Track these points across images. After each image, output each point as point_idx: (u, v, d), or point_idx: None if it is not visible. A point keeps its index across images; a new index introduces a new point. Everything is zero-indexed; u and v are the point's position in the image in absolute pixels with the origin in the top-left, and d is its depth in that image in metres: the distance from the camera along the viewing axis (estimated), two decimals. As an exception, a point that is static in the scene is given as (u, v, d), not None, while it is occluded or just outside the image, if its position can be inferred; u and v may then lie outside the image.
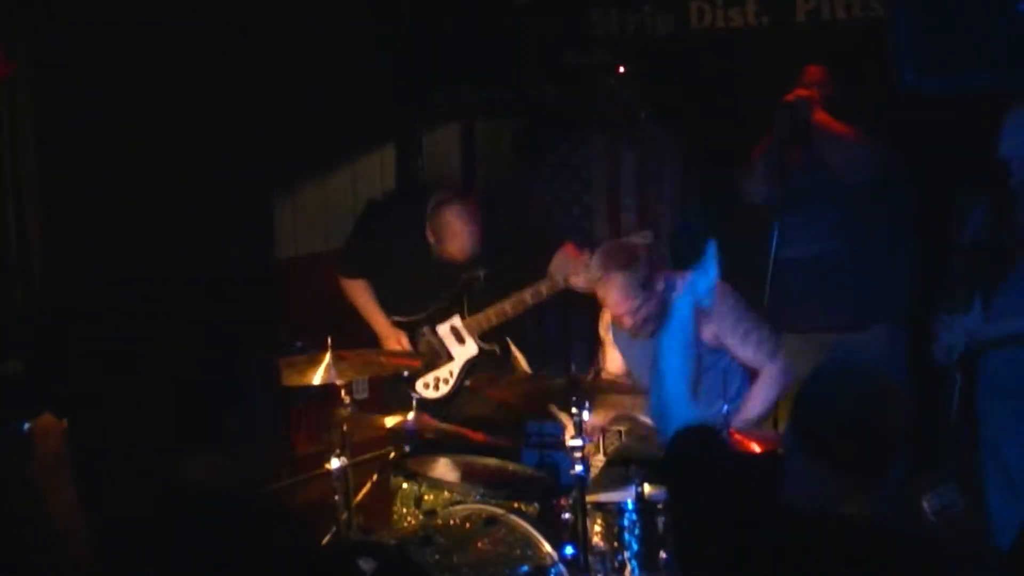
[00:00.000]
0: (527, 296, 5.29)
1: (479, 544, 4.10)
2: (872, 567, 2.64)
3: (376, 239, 5.50)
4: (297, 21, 6.02)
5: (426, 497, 4.43)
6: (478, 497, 4.32)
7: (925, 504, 4.89)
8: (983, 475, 4.56)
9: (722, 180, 6.06)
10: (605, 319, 5.10)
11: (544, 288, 5.27)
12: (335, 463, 4.41)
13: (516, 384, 4.94)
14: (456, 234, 5.23)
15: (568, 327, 6.61)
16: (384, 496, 4.69)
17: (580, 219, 6.45)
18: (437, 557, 3.99)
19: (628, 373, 5.03)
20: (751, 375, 4.97)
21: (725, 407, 4.30)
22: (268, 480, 5.07)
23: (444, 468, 4.68)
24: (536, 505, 4.29)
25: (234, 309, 5.57)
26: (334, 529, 4.42)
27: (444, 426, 4.70)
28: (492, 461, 4.72)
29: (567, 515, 4.15)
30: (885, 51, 4.89)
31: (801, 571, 2.65)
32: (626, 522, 4.15)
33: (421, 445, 4.80)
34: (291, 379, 4.39)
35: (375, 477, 4.79)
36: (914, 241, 5.48)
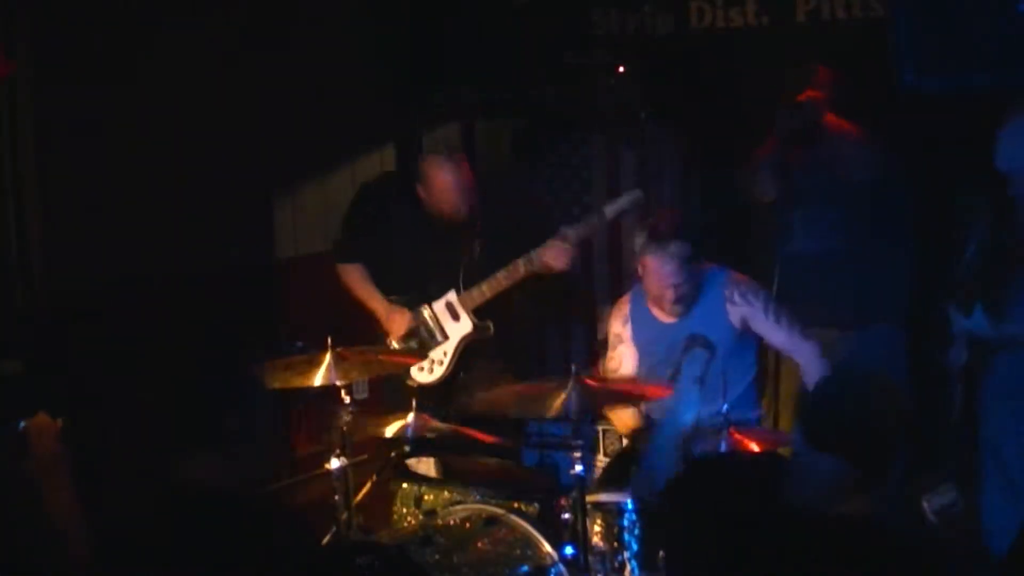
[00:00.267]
0: (520, 264, 5.26)
1: (479, 544, 4.10)
2: (872, 567, 2.64)
3: (370, 222, 5.50)
4: (297, 21, 6.02)
5: (426, 497, 4.43)
6: (478, 497, 4.32)
7: (925, 504, 4.88)
8: (982, 475, 4.55)
9: (722, 180, 6.07)
10: (620, 315, 5.09)
11: (536, 256, 5.24)
12: (335, 463, 4.41)
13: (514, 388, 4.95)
14: (443, 185, 5.25)
15: (568, 330, 6.60)
16: (384, 496, 4.69)
17: (580, 219, 6.43)
18: (437, 557, 3.99)
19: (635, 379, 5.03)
20: (756, 379, 5.01)
21: (725, 406, 4.31)
22: (268, 480, 5.10)
23: (443, 468, 4.68)
24: (536, 505, 4.29)
25: (234, 309, 5.57)
26: (334, 529, 4.42)
27: (444, 426, 4.70)
28: (492, 461, 4.72)
29: (567, 515, 4.15)
30: (885, 51, 4.89)
31: (801, 571, 2.65)
32: (626, 522, 4.15)
33: (421, 445, 4.79)
34: (291, 380, 4.38)
35: (375, 477, 4.79)
36: (914, 241, 5.48)
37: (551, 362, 6.51)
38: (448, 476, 4.63)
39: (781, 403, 5.60)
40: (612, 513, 4.18)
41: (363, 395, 5.22)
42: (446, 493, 4.41)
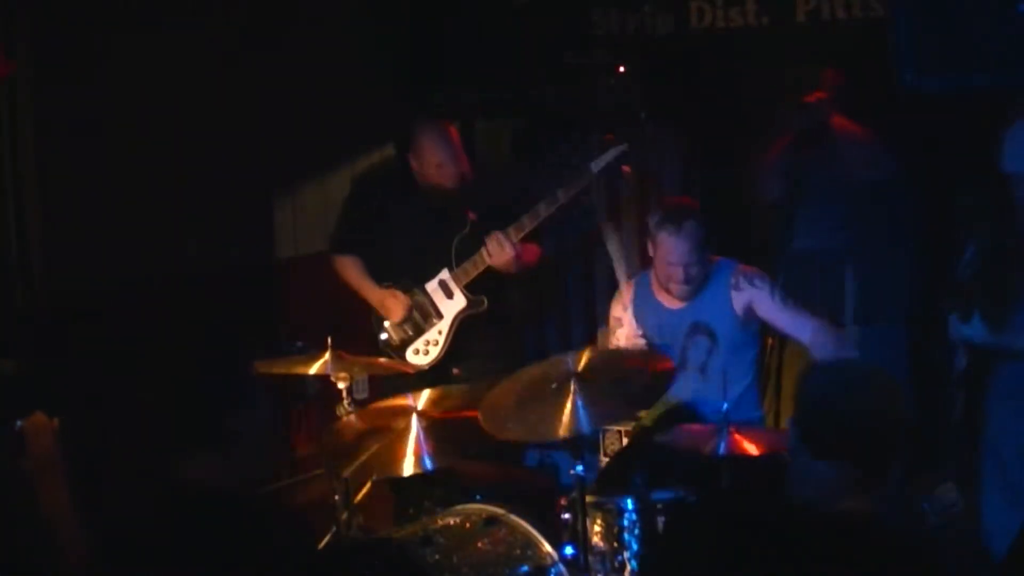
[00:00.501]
0: (510, 232, 5.26)
1: (479, 544, 4.09)
2: (872, 567, 2.64)
3: (365, 211, 5.52)
4: (297, 21, 6.02)
5: (426, 497, 4.43)
6: (478, 497, 4.32)
7: (925, 504, 4.89)
8: (983, 477, 4.55)
9: (722, 179, 6.07)
10: (622, 300, 5.12)
11: (527, 219, 5.24)
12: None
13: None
14: (433, 152, 5.29)
15: (567, 327, 6.60)
16: (384, 496, 4.69)
17: (579, 220, 6.43)
18: (437, 557, 3.99)
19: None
20: (756, 381, 5.02)
21: (725, 406, 4.31)
22: (268, 480, 5.10)
23: (443, 468, 4.67)
24: (536, 505, 4.29)
25: (234, 309, 5.57)
26: (334, 529, 4.42)
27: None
28: (492, 461, 4.72)
29: (567, 515, 4.15)
30: (885, 51, 4.89)
31: (801, 571, 2.65)
32: (626, 522, 4.15)
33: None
34: (287, 369, 4.41)
35: (375, 477, 4.79)
36: (916, 241, 5.49)
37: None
38: (448, 476, 4.63)
39: (782, 403, 5.61)
40: (612, 513, 4.18)
41: (363, 395, 5.23)
42: (446, 493, 4.40)
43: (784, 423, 5.50)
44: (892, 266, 5.42)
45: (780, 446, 4.37)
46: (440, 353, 5.38)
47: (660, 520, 4.15)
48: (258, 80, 5.79)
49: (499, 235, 5.21)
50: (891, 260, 5.42)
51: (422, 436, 4.19)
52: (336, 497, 4.41)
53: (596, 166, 5.22)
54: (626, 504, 4.16)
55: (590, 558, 4.07)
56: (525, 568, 4.04)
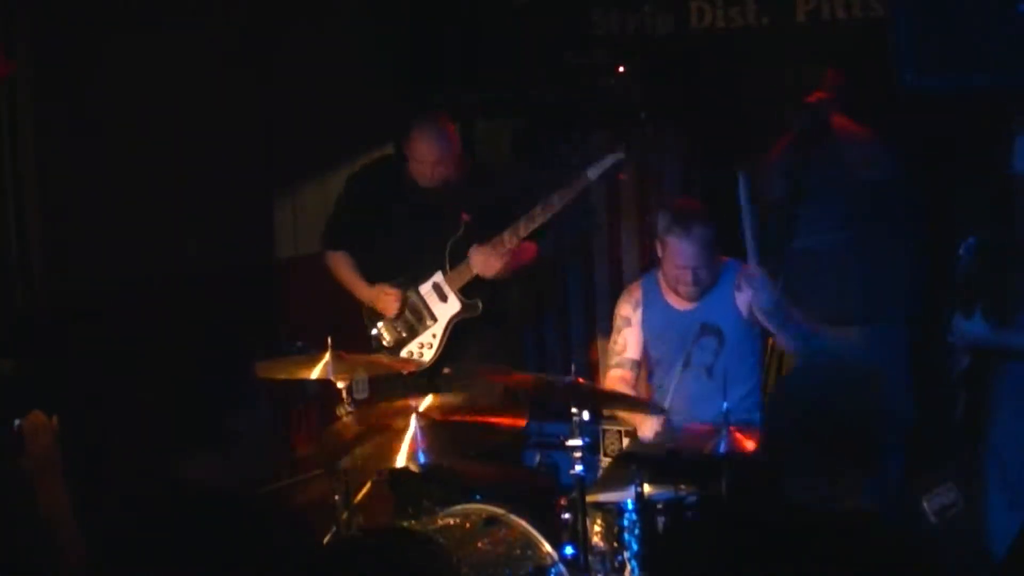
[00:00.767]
0: (505, 235, 5.25)
1: (479, 544, 4.10)
2: (872, 567, 2.63)
3: (357, 208, 5.50)
4: (297, 21, 6.02)
5: (426, 497, 4.43)
6: (478, 497, 4.32)
7: (925, 504, 4.88)
8: (986, 478, 4.54)
9: (722, 179, 6.07)
10: (630, 298, 5.11)
11: (522, 224, 5.24)
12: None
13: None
14: (424, 149, 5.27)
15: (567, 327, 6.60)
16: (384, 496, 4.69)
17: (579, 219, 6.43)
18: (437, 557, 3.98)
19: (638, 362, 5.04)
20: (758, 385, 5.02)
21: (725, 405, 4.31)
22: (268, 480, 5.10)
23: (443, 468, 4.67)
24: (536, 505, 4.29)
25: (234, 309, 5.57)
26: (334, 529, 4.42)
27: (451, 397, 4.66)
28: (492, 461, 4.71)
29: (567, 515, 4.15)
30: (885, 51, 4.89)
31: (801, 571, 2.65)
32: (626, 522, 4.15)
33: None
34: (289, 373, 4.41)
35: (375, 477, 4.79)
36: (917, 241, 5.49)
37: (549, 360, 6.51)
38: (448, 476, 4.63)
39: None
40: (612, 513, 4.18)
41: (363, 395, 5.22)
42: (446, 493, 4.40)
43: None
44: (892, 266, 5.41)
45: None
46: (435, 355, 5.37)
47: (660, 520, 4.15)
48: (258, 80, 5.78)
49: (483, 248, 5.20)
50: (891, 260, 5.41)
51: (419, 434, 4.17)
52: (336, 497, 4.41)
53: (593, 172, 5.20)
54: (626, 504, 4.16)
55: (590, 558, 4.07)
56: (525, 568, 4.04)
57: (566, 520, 4.15)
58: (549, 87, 6.19)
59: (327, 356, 4.49)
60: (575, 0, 6.04)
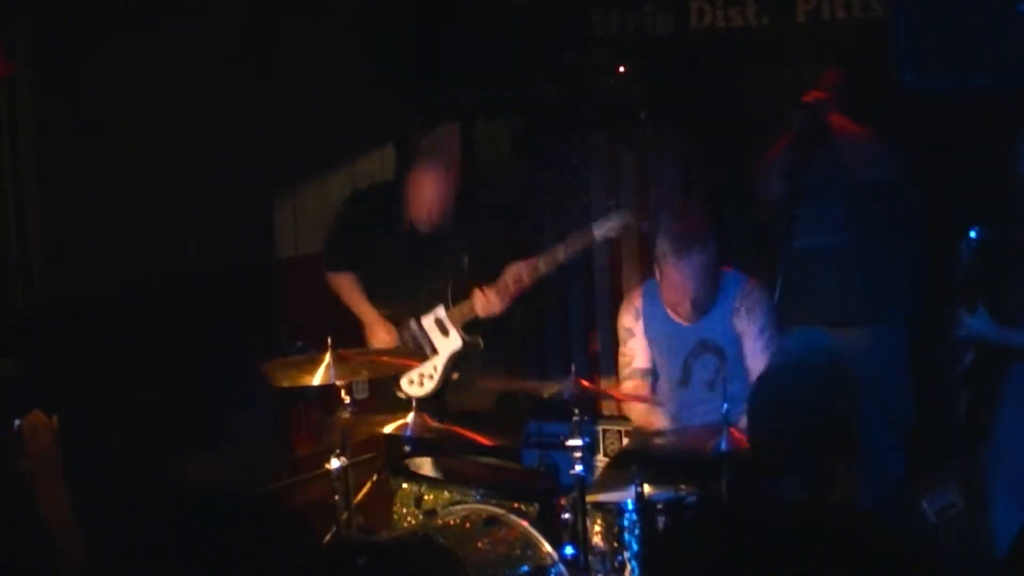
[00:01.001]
0: (508, 279, 5.25)
1: (479, 544, 4.10)
2: (872, 566, 2.63)
3: (359, 233, 5.49)
4: (297, 21, 6.02)
5: (426, 497, 4.43)
6: (478, 497, 4.32)
7: (925, 504, 4.89)
8: (992, 479, 4.53)
9: (722, 179, 6.07)
10: (631, 308, 5.06)
11: (526, 274, 5.24)
12: (335, 463, 4.40)
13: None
14: (420, 193, 5.26)
15: (567, 331, 6.60)
16: (384, 496, 4.69)
17: (579, 220, 6.43)
18: (437, 557, 3.98)
19: (649, 370, 5.03)
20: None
21: (725, 406, 4.31)
22: (268, 480, 5.09)
23: (443, 468, 4.68)
24: (536, 505, 4.29)
25: (234, 309, 5.57)
26: (334, 529, 4.42)
27: (442, 426, 4.69)
28: (492, 461, 4.71)
29: (567, 515, 4.15)
30: (885, 51, 4.89)
31: (801, 571, 2.65)
32: (626, 522, 4.15)
33: (420, 445, 4.79)
34: (291, 379, 4.38)
35: (375, 477, 4.79)
36: (916, 241, 5.49)
37: (551, 364, 6.51)
38: (448, 476, 4.63)
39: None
40: (612, 513, 4.18)
41: (363, 395, 5.22)
42: (446, 493, 4.40)
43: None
44: (892, 266, 5.42)
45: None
46: (435, 386, 5.34)
47: (660, 520, 4.15)
48: (258, 80, 5.78)
49: (487, 291, 5.20)
50: (891, 260, 5.41)
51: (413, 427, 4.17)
52: (336, 497, 4.41)
53: (599, 231, 5.19)
54: (626, 504, 4.16)
55: (590, 558, 4.07)
56: (525, 568, 4.04)
57: (566, 520, 4.15)
58: (549, 87, 6.20)
59: (327, 357, 4.47)
60: (575, 0, 6.04)
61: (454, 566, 3.04)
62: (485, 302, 5.23)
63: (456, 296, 5.33)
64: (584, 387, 4.28)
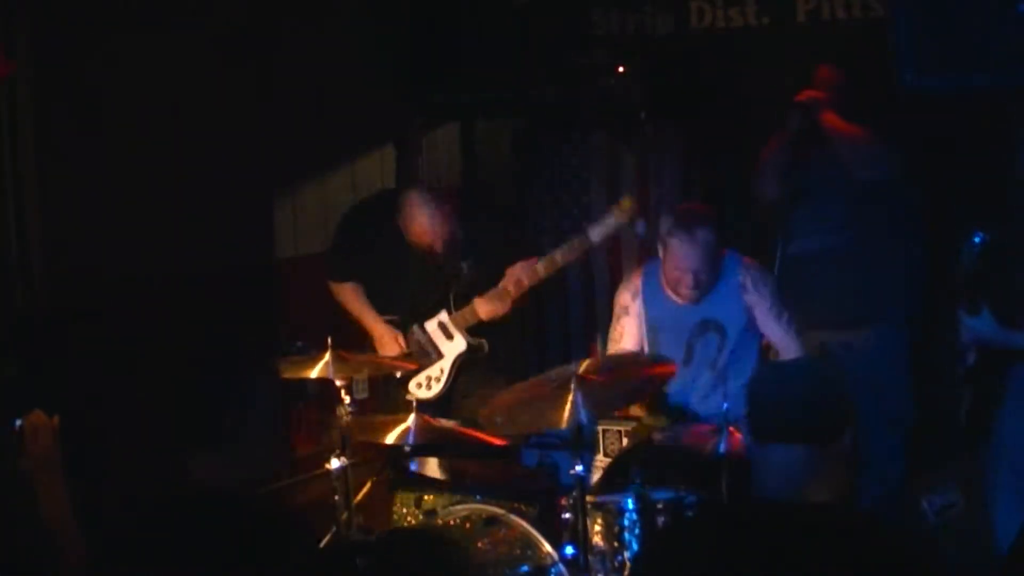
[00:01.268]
0: (509, 283, 5.26)
1: (479, 544, 4.09)
2: (871, 567, 2.63)
3: (361, 240, 5.51)
4: (297, 21, 6.02)
5: (426, 497, 4.43)
6: (478, 497, 4.32)
7: (925, 504, 4.89)
8: (996, 480, 4.52)
9: (722, 179, 6.07)
10: (630, 287, 5.11)
11: (526, 278, 5.24)
12: (335, 463, 4.41)
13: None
14: (416, 219, 5.29)
15: (567, 327, 6.60)
16: (384, 496, 4.69)
17: (579, 220, 6.44)
18: (437, 557, 3.98)
19: (636, 353, 5.05)
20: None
21: (725, 405, 4.31)
22: (268, 480, 5.09)
23: (443, 468, 4.68)
24: (536, 505, 4.29)
25: (234, 309, 5.57)
26: (334, 529, 4.42)
27: (445, 422, 4.69)
28: (492, 461, 4.71)
29: (567, 515, 4.15)
30: (885, 51, 4.89)
31: (800, 571, 2.65)
32: (626, 522, 4.15)
33: (421, 445, 4.79)
34: (289, 372, 4.41)
35: (375, 477, 4.79)
36: (915, 241, 5.49)
37: (551, 361, 6.51)
38: (448, 476, 4.63)
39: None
40: (612, 513, 4.18)
41: (363, 395, 5.23)
42: (446, 493, 4.41)
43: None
44: (892, 266, 5.42)
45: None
46: (442, 389, 5.39)
47: (660, 520, 4.15)
48: (258, 80, 5.78)
49: (488, 298, 5.22)
50: (891, 260, 5.41)
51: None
52: (336, 497, 4.41)
53: (596, 235, 5.22)
54: (626, 504, 4.16)
55: (590, 558, 4.07)
56: (525, 568, 4.04)
57: (566, 520, 4.15)
58: (549, 87, 6.19)
59: (327, 356, 4.48)
60: (575, 0, 6.04)
61: (460, 560, 3.04)
62: (487, 307, 5.26)
63: (458, 301, 5.35)
64: (591, 385, 4.26)
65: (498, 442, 4.56)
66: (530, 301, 6.48)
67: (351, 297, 5.51)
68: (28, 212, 5.10)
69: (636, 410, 5.06)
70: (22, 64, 5.01)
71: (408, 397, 5.31)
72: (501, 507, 4.21)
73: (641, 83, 6.06)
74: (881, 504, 5.17)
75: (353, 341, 5.05)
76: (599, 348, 6.27)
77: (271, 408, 3.07)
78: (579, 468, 4.07)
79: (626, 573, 4.13)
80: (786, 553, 2.66)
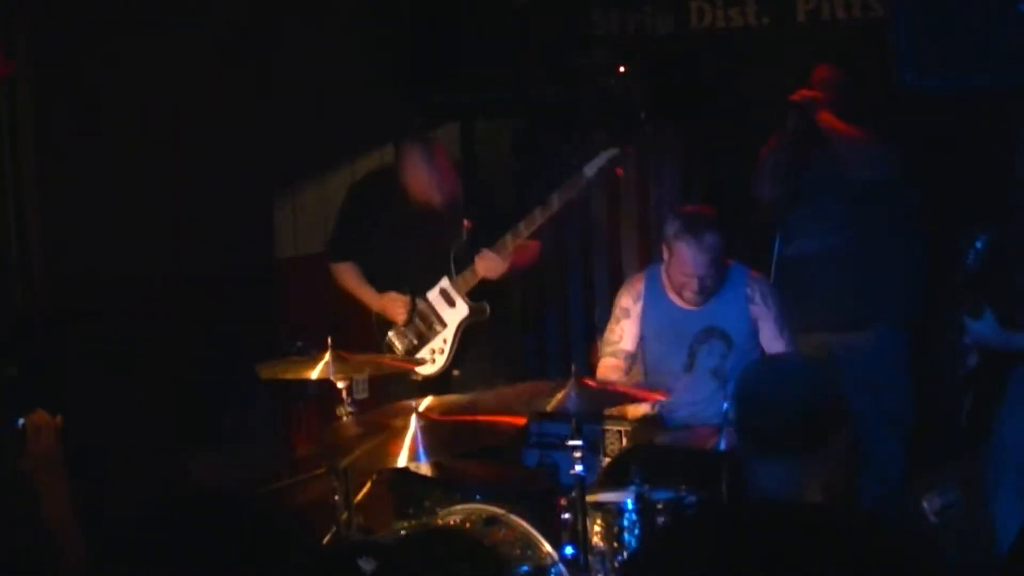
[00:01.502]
0: (508, 236, 5.26)
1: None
2: (871, 566, 2.63)
3: (360, 219, 5.51)
4: (297, 21, 6.02)
5: (426, 497, 4.43)
6: (478, 497, 4.31)
7: (925, 504, 4.88)
8: (998, 481, 4.52)
9: (721, 179, 6.07)
10: (632, 290, 5.09)
11: (523, 226, 5.24)
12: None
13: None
14: (416, 169, 5.29)
15: (567, 327, 6.60)
16: (384, 496, 4.69)
17: (579, 220, 6.44)
18: (437, 557, 3.98)
19: (632, 354, 5.03)
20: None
21: (725, 405, 4.31)
22: (268, 480, 5.10)
23: (443, 468, 4.67)
24: (536, 505, 4.29)
25: (234, 309, 5.57)
26: (334, 529, 4.42)
27: (450, 419, 4.66)
28: (492, 461, 4.71)
29: (567, 515, 4.15)
30: (885, 51, 4.89)
31: (799, 571, 2.64)
32: (626, 522, 4.15)
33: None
34: (290, 374, 4.40)
35: (375, 477, 4.78)
36: (915, 242, 5.49)
37: (550, 361, 6.51)
38: (448, 476, 4.62)
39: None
40: (612, 513, 4.17)
41: (363, 395, 5.22)
42: (446, 493, 4.40)
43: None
44: (892, 267, 5.41)
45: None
46: (447, 361, 5.37)
47: (660, 520, 4.14)
48: (258, 80, 5.78)
49: (488, 253, 5.21)
50: (891, 261, 5.41)
51: (419, 433, 4.15)
52: (336, 497, 4.41)
53: (589, 170, 5.19)
54: (626, 504, 4.15)
55: (590, 558, 4.07)
56: (525, 568, 4.04)
57: (566, 520, 4.15)
58: (549, 87, 6.19)
59: (327, 356, 4.48)
60: (575, 0, 6.04)
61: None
62: (488, 263, 5.23)
63: (459, 265, 5.33)
64: (587, 385, 4.27)
65: (516, 421, 4.44)
66: (530, 302, 6.50)
67: (349, 276, 5.50)
68: (28, 212, 5.10)
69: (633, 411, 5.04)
70: (22, 64, 5.02)
71: (413, 377, 5.30)
72: (501, 507, 4.21)
73: (641, 83, 6.05)
74: (881, 504, 5.17)
75: (353, 341, 5.04)
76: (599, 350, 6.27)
77: (271, 408, 3.06)
78: (579, 468, 4.07)
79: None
80: (786, 553, 2.66)
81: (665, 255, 4.94)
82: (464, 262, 5.33)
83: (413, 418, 4.15)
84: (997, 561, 4.34)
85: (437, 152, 5.38)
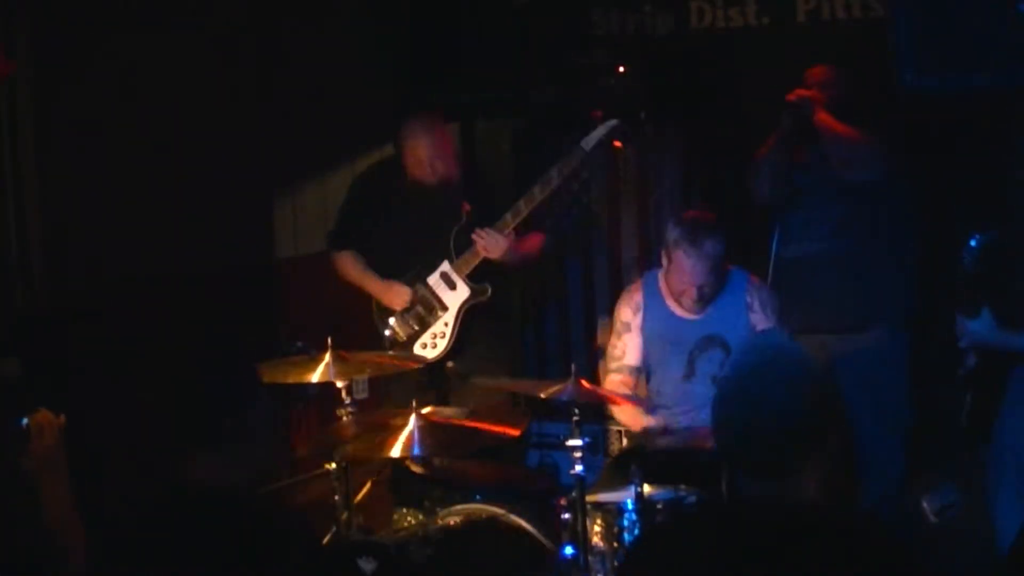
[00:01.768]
0: (508, 218, 5.24)
1: (479, 544, 4.10)
2: (871, 566, 2.63)
3: (362, 208, 5.50)
4: (297, 21, 6.02)
5: (426, 497, 4.43)
6: (478, 497, 4.32)
7: (925, 504, 4.89)
8: (999, 481, 4.52)
9: (723, 179, 6.07)
10: (631, 302, 5.05)
11: (523, 203, 5.24)
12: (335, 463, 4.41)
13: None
14: (417, 145, 5.27)
15: (567, 330, 6.60)
16: (384, 496, 4.69)
17: (579, 219, 6.44)
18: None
19: (638, 368, 5.02)
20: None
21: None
22: (268, 480, 5.10)
23: (443, 468, 4.68)
24: (536, 505, 4.29)
25: (234, 309, 5.57)
26: (334, 529, 4.42)
27: (449, 411, 4.66)
28: (492, 461, 4.71)
29: (567, 515, 4.15)
30: (885, 51, 4.89)
31: (799, 571, 2.65)
32: (626, 522, 4.15)
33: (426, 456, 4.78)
34: (291, 377, 4.40)
35: (375, 477, 4.79)
36: (914, 242, 5.48)
37: (550, 360, 6.51)
38: (448, 476, 4.63)
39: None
40: (612, 513, 4.18)
41: (363, 395, 5.23)
42: (446, 493, 4.40)
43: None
44: (891, 268, 5.41)
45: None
46: (447, 345, 5.34)
47: (660, 520, 4.15)
48: (258, 80, 5.79)
49: (488, 230, 5.20)
50: (890, 262, 5.40)
51: (417, 432, 4.14)
52: (336, 497, 4.41)
53: (587, 143, 5.17)
54: (626, 504, 4.16)
55: (590, 558, 4.07)
56: (525, 568, 4.04)
57: (566, 520, 4.15)
58: (549, 87, 6.19)
59: (327, 357, 4.47)
60: (575, 0, 6.04)
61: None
62: (487, 241, 5.21)
63: (459, 247, 5.33)
64: (585, 388, 4.27)
65: (512, 432, 4.49)
66: (530, 302, 6.50)
67: (351, 265, 5.49)
68: (28, 212, 5.10)
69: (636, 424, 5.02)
70: (22, 64, 5.02)
71: (413, 364, 5.28)
72: (501, 507, 4.21)
73: (641, 83, 6.05)
74: (881, 504, 5.17)
75: (353, 341, 5.04)
76: (599, 349, 6.27)
77: (271, 408, 3.06)
78: (579, 468, 4.07)
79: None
80: (786, 553, 2.66)
81: (664, 261, 4.89)
82: (464, 245, 5.32)
83: (413, 418, 4.17)
84: (997, 561, 4.34)
85: (437, 125, 5.36)
